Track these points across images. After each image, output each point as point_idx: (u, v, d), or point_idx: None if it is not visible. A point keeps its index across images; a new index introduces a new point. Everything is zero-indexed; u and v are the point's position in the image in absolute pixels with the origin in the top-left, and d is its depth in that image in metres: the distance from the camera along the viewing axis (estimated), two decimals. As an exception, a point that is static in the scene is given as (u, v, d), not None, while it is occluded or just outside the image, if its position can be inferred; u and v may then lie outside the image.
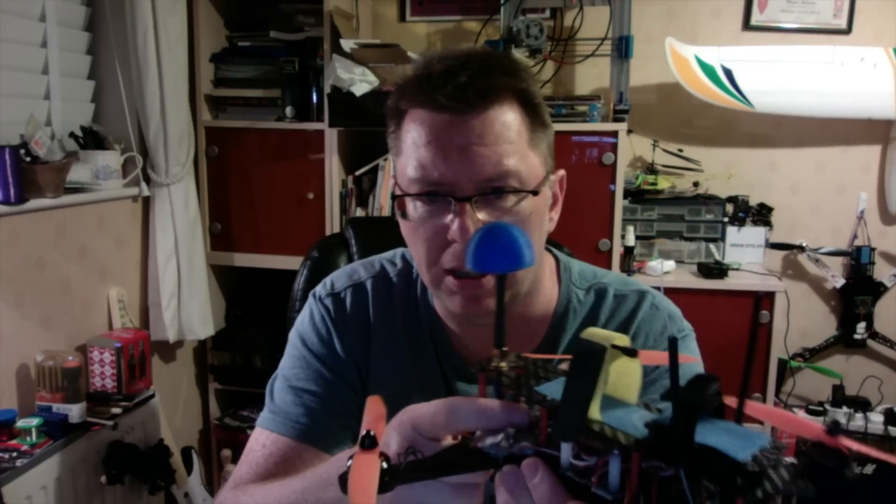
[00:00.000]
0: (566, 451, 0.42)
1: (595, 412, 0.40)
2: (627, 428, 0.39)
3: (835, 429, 0.34)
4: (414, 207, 0.78)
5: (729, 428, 0.36)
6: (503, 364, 0.48)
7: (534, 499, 0.43)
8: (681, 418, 0.35)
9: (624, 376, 0.42)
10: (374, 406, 0.49)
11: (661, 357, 0.49)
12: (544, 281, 0.88)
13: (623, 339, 0.41)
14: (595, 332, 0.41)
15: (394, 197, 0.80)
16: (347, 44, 2.21)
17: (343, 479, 0.46)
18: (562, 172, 0.86)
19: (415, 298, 0.91)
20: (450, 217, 0.75)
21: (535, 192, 0.76)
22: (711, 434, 0.35)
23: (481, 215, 0.74)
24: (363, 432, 0.45)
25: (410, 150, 0.76)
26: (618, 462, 0.39)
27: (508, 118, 0.75)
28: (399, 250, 0.96)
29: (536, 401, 0.44)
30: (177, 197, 2.23)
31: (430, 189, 0.75)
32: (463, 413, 0.48)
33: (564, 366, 0.46)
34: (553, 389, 0.44)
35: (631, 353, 0.41)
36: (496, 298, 0.50)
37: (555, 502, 0.42)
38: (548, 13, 2.53)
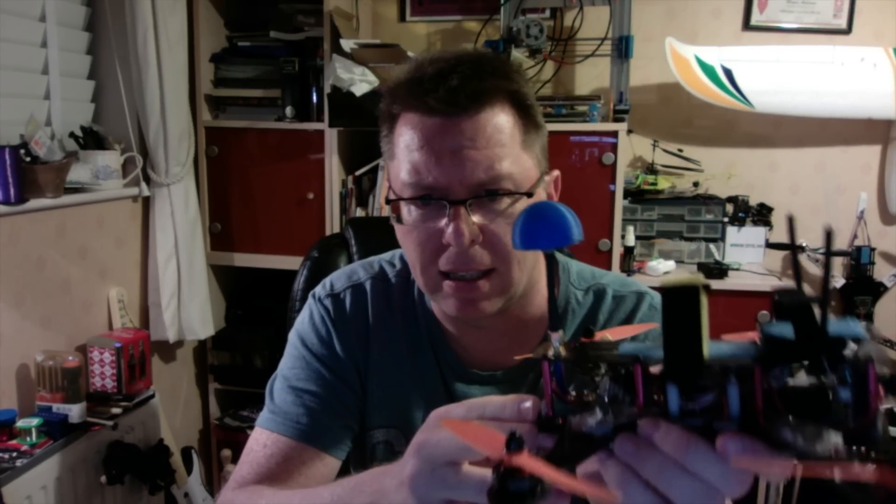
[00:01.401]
0: (673, 398, 0.41)
1: (705, 348, 0.39)
2: (736, 354, 0.39)
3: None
4: (408, 211, 0.78)
5: (828, 322, 0.38)
6: (562, 348, 0.46)
7: (664, 451, 0.41)
8: (826, 303, 0.37)
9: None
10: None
11: (629, 330, 0.50)
12: (542, 282, 0.87)
13: (700, 279, 0.40)
14: (676, 280, 0.40)
15: (388, 201, 0.80)
16: (347, 44, 2.21)
17: (499, 494, 0.41)
18: (556, 173, 0.86)
19: (413, 300, 0.91)
20: (444, 221, 0.74)
21: (529, 194, 0.76)
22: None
23: (476, 218, 0.74)
24: (506, 435, 0.42)
25: (403, 154, 0.76)
26: (736, 388, 0.38)
27: (500, 120, 0.75)
28: (398, 251, 0.96)
29: (621, 362, 0.43)
30: (177, 197, 2.23)
31: (424, 193, 0.75)
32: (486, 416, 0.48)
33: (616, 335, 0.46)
34: (634, 349, 0.43)
35: (709, 290, 0.41)
36: (546, 278, 0.48)
37: (692, 445, 0.40)
38: (548, 13, 2.53)
